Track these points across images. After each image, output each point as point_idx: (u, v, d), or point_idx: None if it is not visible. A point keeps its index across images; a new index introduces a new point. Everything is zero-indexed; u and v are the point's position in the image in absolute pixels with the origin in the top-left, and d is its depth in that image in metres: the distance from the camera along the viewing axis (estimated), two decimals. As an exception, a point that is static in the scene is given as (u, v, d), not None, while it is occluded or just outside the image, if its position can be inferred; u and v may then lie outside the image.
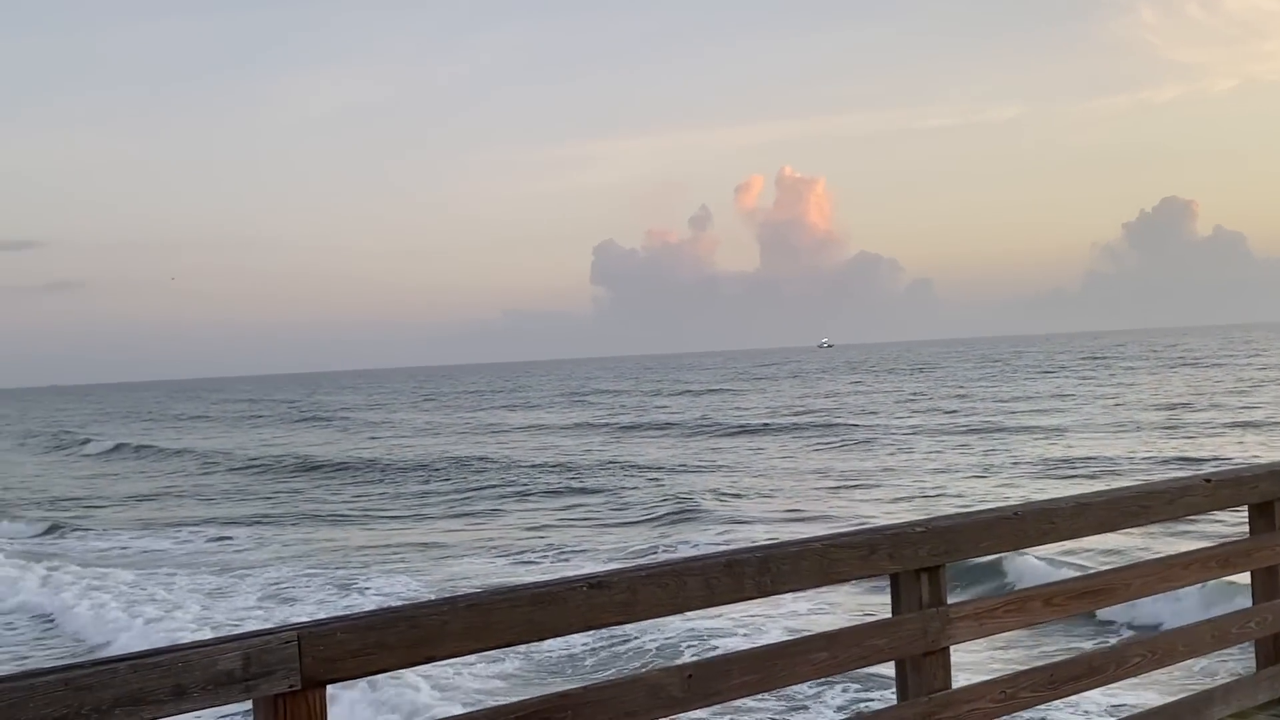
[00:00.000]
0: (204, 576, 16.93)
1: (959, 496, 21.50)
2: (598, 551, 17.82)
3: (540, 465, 32.00)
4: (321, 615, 11.82)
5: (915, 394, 56.66)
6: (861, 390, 64.46)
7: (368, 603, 14.02)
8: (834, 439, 35.18)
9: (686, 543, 17.98)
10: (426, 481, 30.35)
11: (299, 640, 2.45)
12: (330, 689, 2.55)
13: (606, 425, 46.63)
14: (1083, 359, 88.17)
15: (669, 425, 44.69)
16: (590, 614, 2.92)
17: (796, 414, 46.94)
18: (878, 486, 24.13)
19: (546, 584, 2.94)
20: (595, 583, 2.93)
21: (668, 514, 21.39)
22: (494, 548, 18.79)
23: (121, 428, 70.00)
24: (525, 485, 27.59)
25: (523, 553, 18.02)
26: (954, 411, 43.75)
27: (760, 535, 17.71)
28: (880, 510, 20.28)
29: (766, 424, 42.09)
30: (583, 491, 25.95)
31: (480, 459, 34.40)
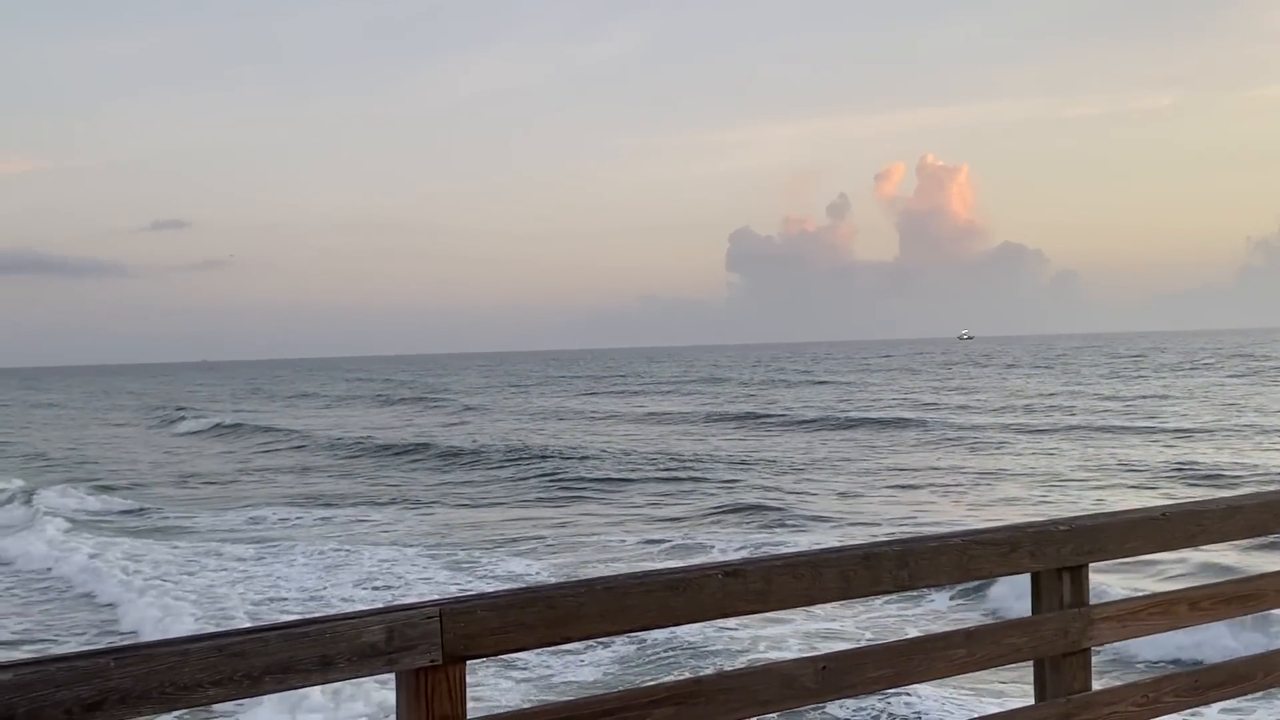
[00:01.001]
0: (314, 553, 16.93)
1: (1044, 504, 18.79)
2: (612, 546, 15.81)
3: (620, 454, 30.34)
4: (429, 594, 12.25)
5: (1043, 392, 53.16)
6: (986, 384, 60.91)
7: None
8: (930, 436, 32.64)
9: (711, 545, 16.21)
10: (472, 466, 29.01)
11: (441, 616, 2.44)
12: (470, 664, 2.53)
13: (714, 415, 44.58)
14: (1230, 357, 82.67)
15: (769, 417, 42.54)
16: (725, 602, 2.85)
17: (905, 408, 44.28)
18: (956, 489, 21.50)
19: (681, 570, 2.89)
20: (730, 570, 2.87)
21: (714, 509, 19.60)
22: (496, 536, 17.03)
23: (245, 405, 70.81)
24: (581, 474, 25.90)
25: (517, 540, 16.14)
26: (1071, 409, 40.64)
27: (804, 539, 16.15)
28: (948, 517, 17.74)
29: (869, 418, 39.56)
30: (641, 481, 24.19)
31: (555, 447, 32.72)
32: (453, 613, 2.47)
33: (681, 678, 3.50)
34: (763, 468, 26.74)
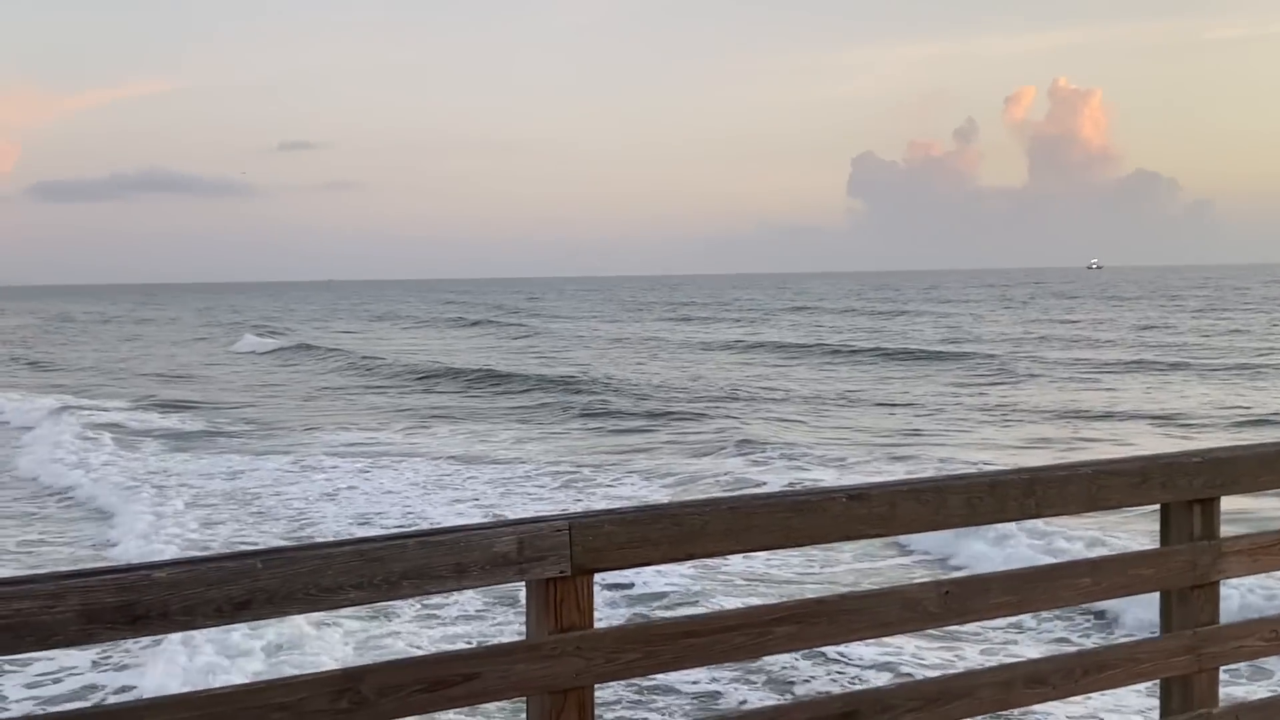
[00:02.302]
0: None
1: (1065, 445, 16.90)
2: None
3: (648, 385, 29.01)
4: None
5: (1149, 323, 50.17)
6: (1095, 317, 57.82)
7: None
8: (991, 372, 30.55)
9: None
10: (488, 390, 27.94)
11: (570, 529, 2.51)
12: (597, 577, 2.60)
13: (790, 346, 42.39)
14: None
15: (849, 349, 40.56)
16: (848, 525, 2.87)
17: (1012, 341, 41.80)
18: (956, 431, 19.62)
19: (806, 492, 2.95)
20: (855, 494, 2.87)
21: (704, 444, 18.36)
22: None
23: (324, 325, 71.43)
24: (605, 407, 24.58)
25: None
26: (1168, 346, 37.93)
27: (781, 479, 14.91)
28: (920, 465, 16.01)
29: (941, 350, 37.49)
30: (648, 416, 22.76)
31: (588, 375, 31.54)
32: (581, 526, 2.53)
33: (803, 597, 3.32)
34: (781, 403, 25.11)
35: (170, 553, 11.17)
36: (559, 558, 2.49)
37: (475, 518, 13.43)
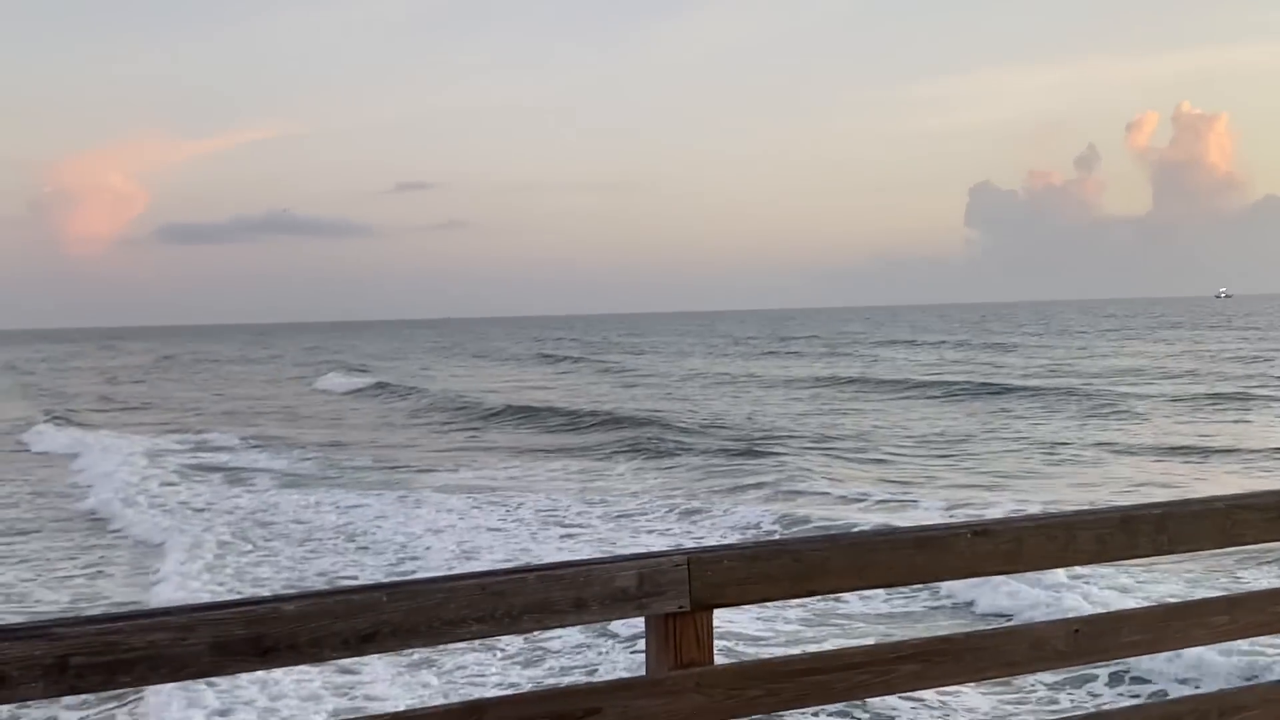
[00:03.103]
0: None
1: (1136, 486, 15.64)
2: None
3: (686, 421, 28.23)
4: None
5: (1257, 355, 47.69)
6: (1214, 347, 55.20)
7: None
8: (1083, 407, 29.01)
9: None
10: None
11: (689, 564, 2.48)
12: (717, 613, 2.56)
13: (879, 381, 41.09)
14: None
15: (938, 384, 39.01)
16: (974, 562, 2.79)
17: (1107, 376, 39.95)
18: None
19: (929, 528, 2.83)
20: (980, 530, 2.79)
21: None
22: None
23: (416, 363, 72.19)
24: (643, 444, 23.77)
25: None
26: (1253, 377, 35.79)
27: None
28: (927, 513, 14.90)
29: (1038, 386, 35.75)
30: (687, 452, 21.95)
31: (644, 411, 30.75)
32: (700, 562, 2.50)
33: (929, 635, 3.08)
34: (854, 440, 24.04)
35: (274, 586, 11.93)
36: (678, 593, 2.47)
37: (582, 553, 13.17)
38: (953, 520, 2.86)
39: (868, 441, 23.87)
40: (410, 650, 2.34)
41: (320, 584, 11.93)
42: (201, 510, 16.87)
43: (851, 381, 40.76)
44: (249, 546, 14.10)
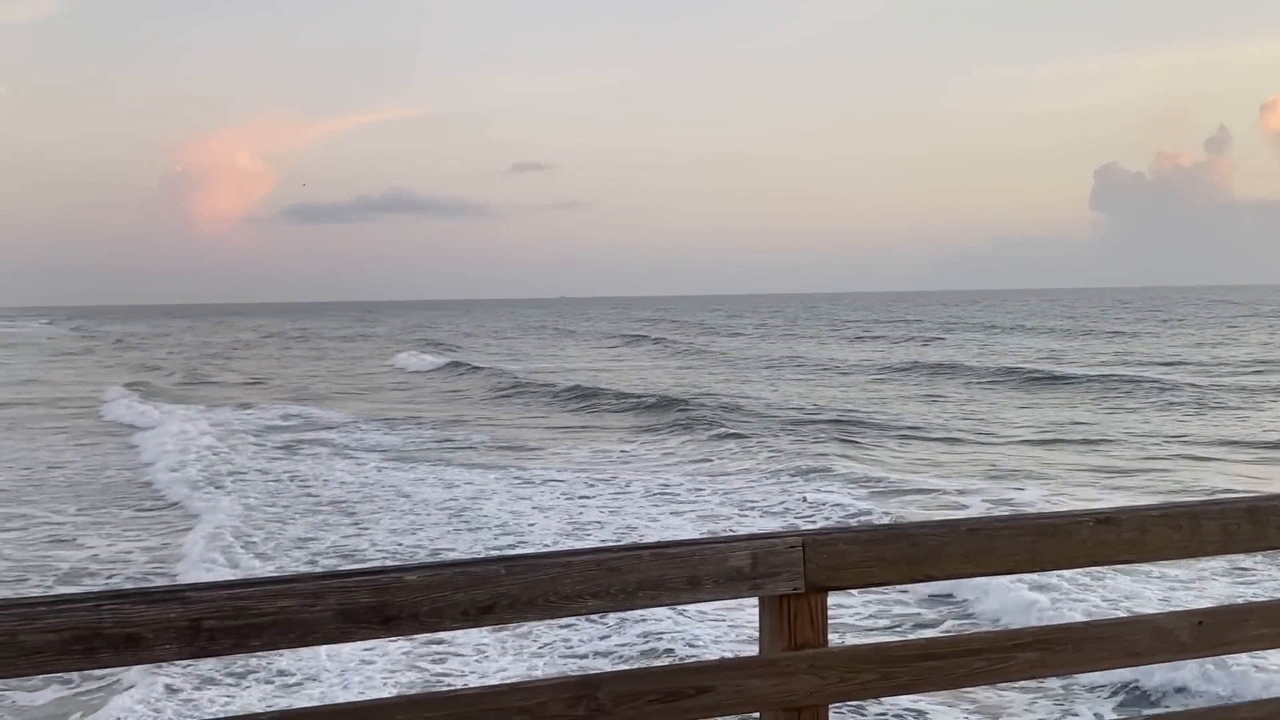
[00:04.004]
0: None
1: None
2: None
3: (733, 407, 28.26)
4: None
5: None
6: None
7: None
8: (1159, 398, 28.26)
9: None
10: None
11: (804, 546, 2.49)
12: (831, 596, 2.56)
13: (962, 369, 40.05)
14: None
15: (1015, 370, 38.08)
16: (1095, 550, 2.75)
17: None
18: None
19: (1050, 515, 2.79)
20: (1103, 518, 2.75)
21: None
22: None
23: (499, 345, 72.63)
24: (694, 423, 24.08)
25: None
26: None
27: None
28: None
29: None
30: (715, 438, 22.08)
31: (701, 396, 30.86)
32: (815, 543, 2.51)
33: (1048, 623, 3.45)
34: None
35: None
36: (792, 574, 2.48)
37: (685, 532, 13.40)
38: (1074, 508, 2.69)
39: (953, 429, 23.74)
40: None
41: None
42: (221, 479, 17.63)
43: (930, 367, 40.03)
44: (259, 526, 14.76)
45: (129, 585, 11.24)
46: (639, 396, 30.10)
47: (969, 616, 9.69)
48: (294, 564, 12.21)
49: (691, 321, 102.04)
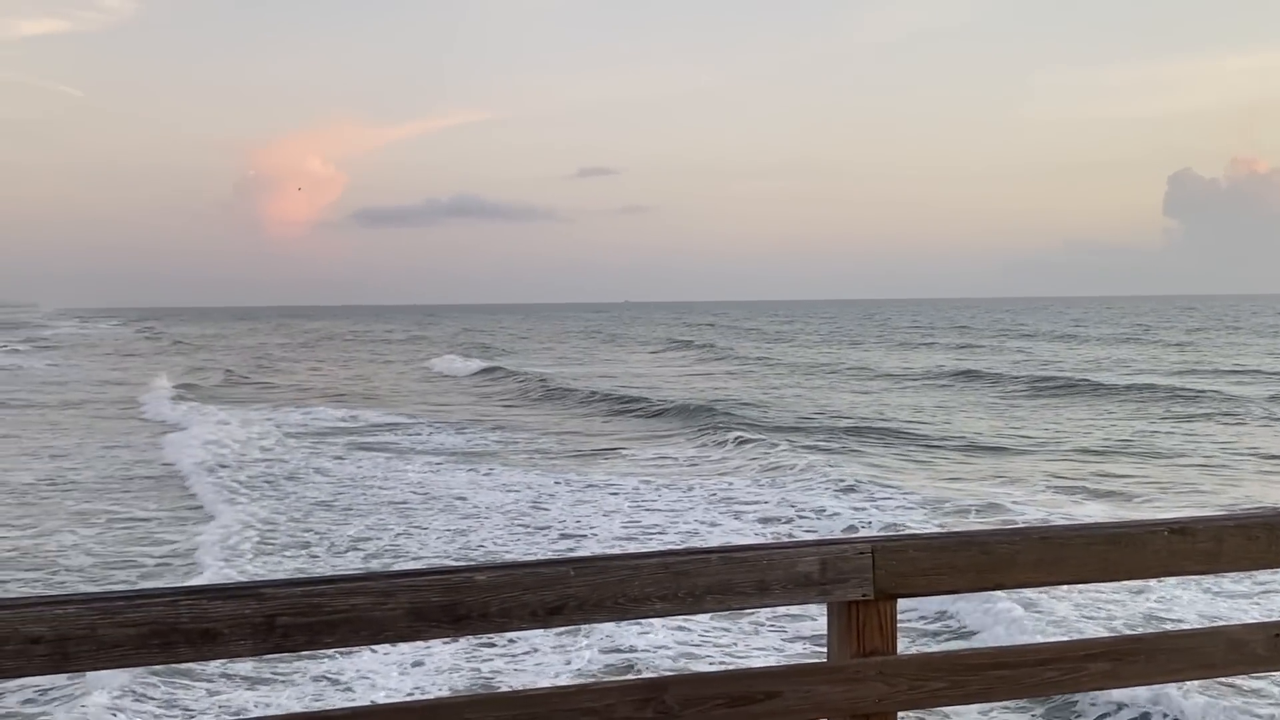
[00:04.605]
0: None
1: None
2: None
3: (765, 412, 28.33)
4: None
5: None
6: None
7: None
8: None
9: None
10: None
11: (873, 552, 2.47)
12: (900, 602, 2.54)
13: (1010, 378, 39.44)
14: None
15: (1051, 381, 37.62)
16: (1169, 560, 2.69)
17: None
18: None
19: (1123, 524, 2.76)
20: (1177, 528, 2.70)
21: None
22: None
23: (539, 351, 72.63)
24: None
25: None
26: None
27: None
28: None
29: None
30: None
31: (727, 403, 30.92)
32: (885, 550, 2.49)
33: (1120, 634, 3.40)
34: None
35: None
36: (861, 580, 2.47)
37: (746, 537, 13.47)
38: (1148, 517, 2.83)
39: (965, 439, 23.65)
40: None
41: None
42: (240, 481, 18.09)
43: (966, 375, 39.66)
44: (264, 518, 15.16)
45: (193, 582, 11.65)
46: (662, 403, 30.32)
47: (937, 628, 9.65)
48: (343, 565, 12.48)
49: (743, 327, 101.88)
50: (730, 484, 17.57)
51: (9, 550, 13.16)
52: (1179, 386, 32.23)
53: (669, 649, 9.12)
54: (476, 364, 50.50)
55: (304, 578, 2.24)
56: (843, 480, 17.07)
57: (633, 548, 12.93)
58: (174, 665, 6.51)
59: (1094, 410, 27.95)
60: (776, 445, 21.33)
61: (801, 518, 14.80)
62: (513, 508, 15.77)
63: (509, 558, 12.01)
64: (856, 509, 15.00)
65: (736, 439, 22.45)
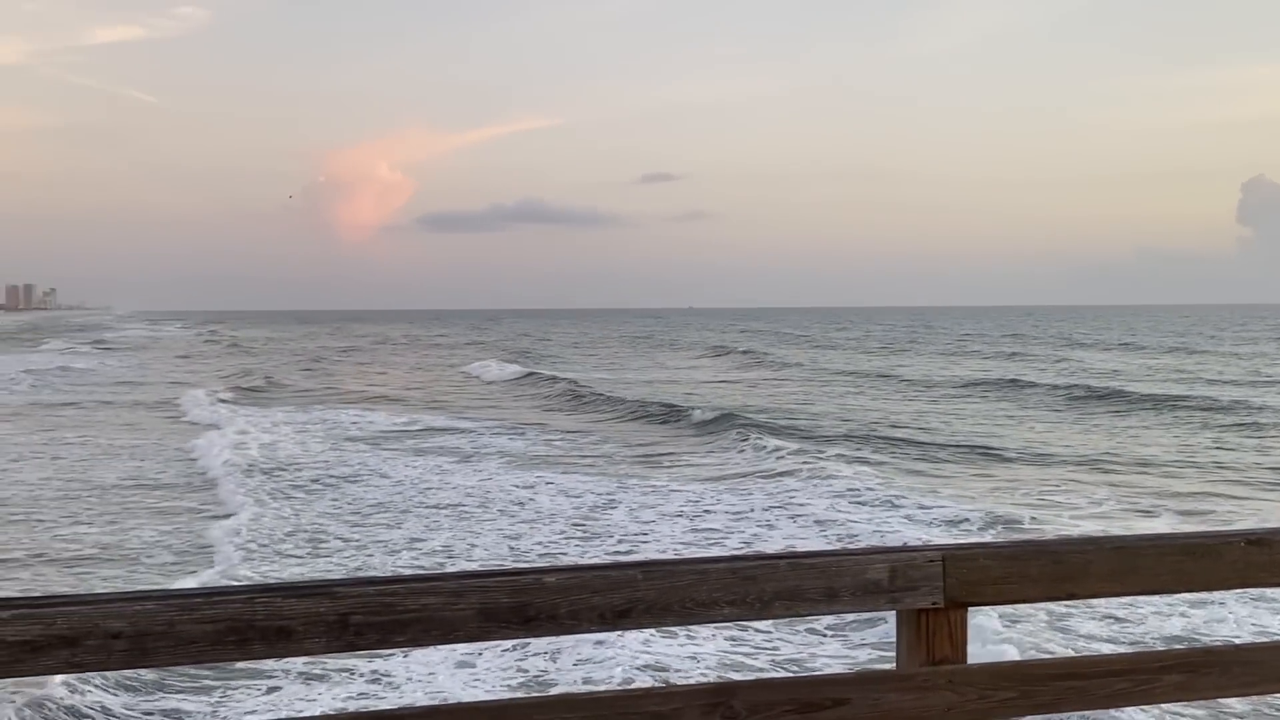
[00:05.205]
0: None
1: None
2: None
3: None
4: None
5: None
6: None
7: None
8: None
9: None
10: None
11: (944, 560, 2.47)
12: (970, 610, 2.53)
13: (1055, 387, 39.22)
14: None
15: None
16: (1246, 572, 2.68)
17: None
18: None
19: (1199, 535, 2.76)
20: (1254, 539, 2.68)
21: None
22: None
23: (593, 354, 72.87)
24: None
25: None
26: None
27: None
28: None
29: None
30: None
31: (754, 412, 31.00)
32: (955, 558, 2.48)
33: (1193, 646, 3.37)
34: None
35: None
36: (931, 589, 2.47)
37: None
38: (1224, 528, 3.99)
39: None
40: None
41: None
42: (246, 472, 18.73)
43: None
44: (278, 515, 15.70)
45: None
46: (672, 409, 30.57)
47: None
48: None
49: (795, 334, 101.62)
50: (736, 488, 17.79)
51: (91, 547, 13.69)
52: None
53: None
54: (512, 369, 50.96)
55: (376, 577, 2.27)
56: (856, 490, 17.06)
57: (635, 553, 13.15)
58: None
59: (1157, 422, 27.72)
60: (779, 452, 21.49)
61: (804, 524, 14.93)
62: (510, 505, 16.20)
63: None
64: (877, 520, 14.99)
65: (739, 441, 22.73)
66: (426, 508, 16.29)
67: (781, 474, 18.89)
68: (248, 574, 12.09)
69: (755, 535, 14.25)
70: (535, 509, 16.16)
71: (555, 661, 8.88)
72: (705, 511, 15.77)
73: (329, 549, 13.54)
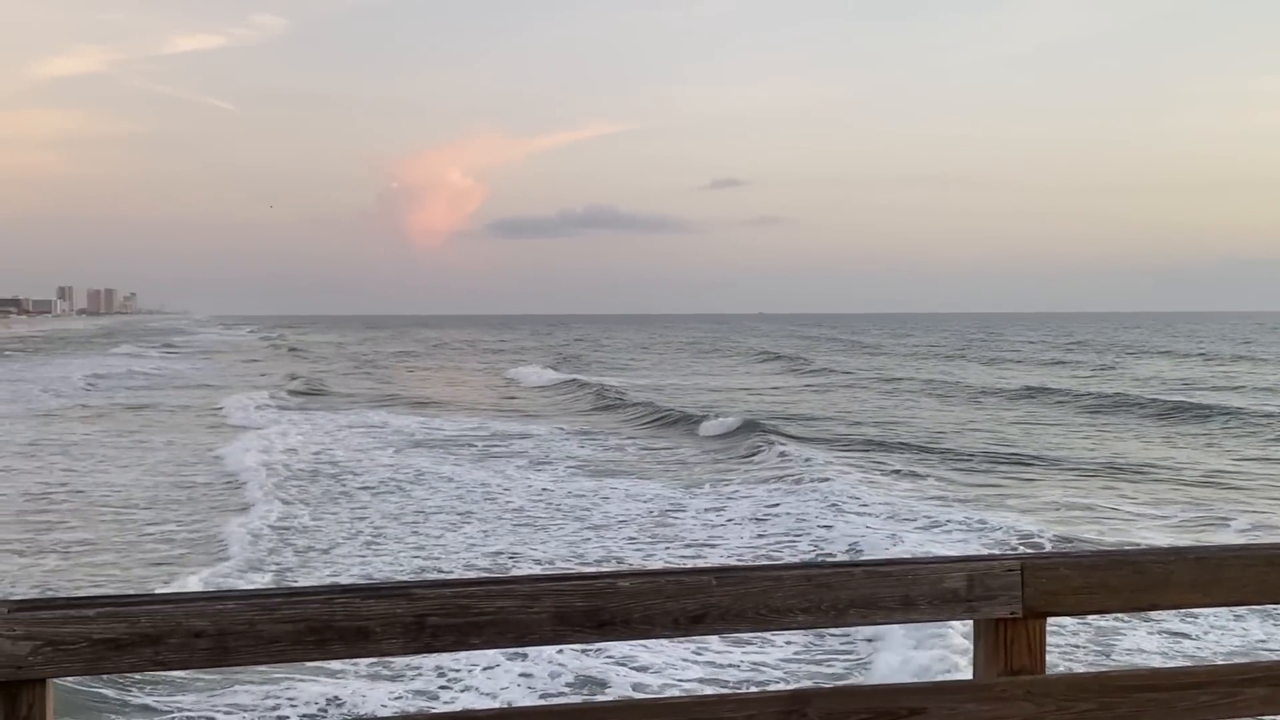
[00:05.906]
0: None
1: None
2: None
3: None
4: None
5: None
6: None
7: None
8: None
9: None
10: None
11: (1022, 569, 2.46)
12: (1050, 621, 2.53)
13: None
14: None
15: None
16: None
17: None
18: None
19: None
20: None
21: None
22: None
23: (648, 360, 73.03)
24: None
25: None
26: None
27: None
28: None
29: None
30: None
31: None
32: (1034, 567, 2.47)
33: (1278, 658, 3.23)
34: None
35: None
36: (1010, 598, 2.45)
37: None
38: None
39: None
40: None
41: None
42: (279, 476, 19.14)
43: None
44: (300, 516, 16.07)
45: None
46: (693, 414, 30.53)
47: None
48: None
49: (859, 341, 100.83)
50: (739, 492, 17.79)
51: (181, 548, 14.14)
52: None
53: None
54: (552, 375, 51.13)
55: (453, 579, 2.29)
56: (858, 497, 16.89)
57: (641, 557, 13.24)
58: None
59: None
60: (807, 458, 21.36)
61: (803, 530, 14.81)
62: (510, 505, 16.37)
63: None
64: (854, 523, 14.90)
65: (756, 448, 22.77)
66: (426, 511, 16.62)
67: (781, 477, 18.85)
68: (228, 569, 12.35)
69: (751, 545, 14.19)
70: (549, 504, 16.57)
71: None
72: (676, 512, 15.84)
73: (330, 552, 13.89)
